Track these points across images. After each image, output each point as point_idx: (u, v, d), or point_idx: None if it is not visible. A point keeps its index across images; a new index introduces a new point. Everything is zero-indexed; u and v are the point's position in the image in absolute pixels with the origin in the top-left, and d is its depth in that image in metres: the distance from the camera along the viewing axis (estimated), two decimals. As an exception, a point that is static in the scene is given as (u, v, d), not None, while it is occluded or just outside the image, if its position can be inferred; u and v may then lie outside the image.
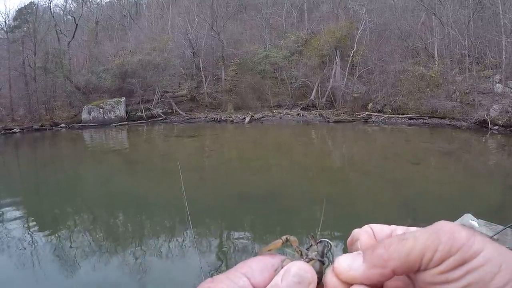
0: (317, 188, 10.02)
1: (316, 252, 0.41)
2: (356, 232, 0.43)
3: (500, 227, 4.05)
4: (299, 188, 9.73)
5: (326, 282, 0.38)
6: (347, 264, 0.38)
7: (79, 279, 5.37)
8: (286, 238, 0.43)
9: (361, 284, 0.38)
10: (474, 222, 4.34)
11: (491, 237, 3.75)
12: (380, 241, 0.39)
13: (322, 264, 0.40)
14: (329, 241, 0.43)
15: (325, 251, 0.42)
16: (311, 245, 0.43)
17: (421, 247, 0.36)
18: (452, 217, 4.63)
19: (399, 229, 0.42)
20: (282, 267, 0.39)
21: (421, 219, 6.61)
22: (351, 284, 0.38)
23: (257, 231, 7.32)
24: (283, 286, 0.37)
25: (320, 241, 0.43)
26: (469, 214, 4.56)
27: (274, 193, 9.16)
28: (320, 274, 0.39)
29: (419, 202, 8.22)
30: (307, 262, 0.40)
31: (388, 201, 8.57)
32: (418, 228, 0.39)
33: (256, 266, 0.39)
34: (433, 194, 8.75)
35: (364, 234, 0.42)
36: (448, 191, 9.26)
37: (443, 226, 0.37)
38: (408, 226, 0.42)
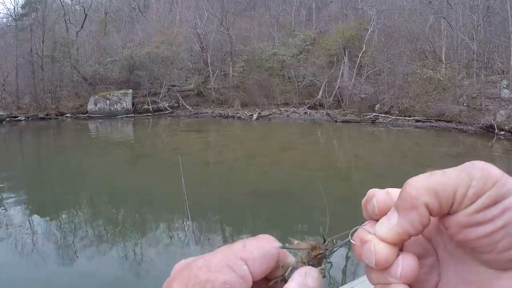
0: (329, 187, 10.05)
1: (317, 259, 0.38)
2: (372, 190, 0.40)
3: None
4: (308, 187, 9.67)
5: (376, 253, 0.35)
6: (385, 225, 0.36)
7: (77, 269, 5.40)
8: (316, 245, 0.39)
9: (409, 236, 0.36)
10: None
11: None
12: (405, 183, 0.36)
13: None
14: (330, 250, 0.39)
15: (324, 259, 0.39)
16: (320, 251, 0.39)
17: (452, 182, 0.34)
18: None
19: None
20: (290, 267, 0.37)
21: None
22: (400, 245, 0.36)
23: (262, 229, 7.35)
24: None
25: (325, 250, 0.39)
26: None
27: (282, 192, 9.15)
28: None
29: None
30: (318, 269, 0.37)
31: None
32: None
33: (257, 253, 0.35)
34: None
35: (380, 191, 0.39)
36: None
37: (475, 163, 0.34)
38: None
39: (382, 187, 0.40)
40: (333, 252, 0.39)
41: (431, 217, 0.35)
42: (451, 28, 23.46)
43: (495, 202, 0.33)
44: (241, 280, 0.33)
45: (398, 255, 0.36)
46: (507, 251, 0.32)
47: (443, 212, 0.34)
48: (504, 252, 0.32)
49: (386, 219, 0.37)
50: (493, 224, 0.33)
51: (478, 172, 0.33)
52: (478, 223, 0.33)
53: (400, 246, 0.36)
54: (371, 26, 25.51)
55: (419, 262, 0.37)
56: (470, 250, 0.35)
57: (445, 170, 0.35)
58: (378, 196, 0.39)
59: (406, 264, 0.35)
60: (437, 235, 0.39)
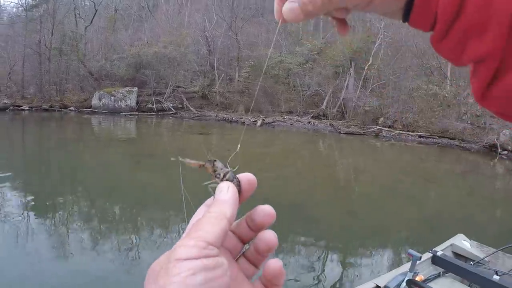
0: (336, 199, 10.01)
1: (226, 173, 0.51)
2: None
3: (492, 250, 4.12)
4: (314, 199, 9.65)
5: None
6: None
7: (70, 265, 5.35)
8: (204, 164, 0.52)
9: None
10: (467, 243, 4.32)
11: (483, 259, 3.86)
12: None
13: (237, 180, 0.50)
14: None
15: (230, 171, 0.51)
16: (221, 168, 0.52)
17: None
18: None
19: None
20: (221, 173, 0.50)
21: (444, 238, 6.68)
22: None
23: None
24: (227, 197, 0.44)
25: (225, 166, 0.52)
26: (462, 235, 4.52)
27: (287, 202, 9.03)
28: (238, 186, 0.49)
29: (439, 221, 8.28)
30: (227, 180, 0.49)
31: (410, 217, 8.60)
32: None
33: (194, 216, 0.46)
34: (452, 214, 8.82)
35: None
36: (465, 211, 9.36)
37: None
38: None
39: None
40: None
41: None
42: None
43: None
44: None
45: None
46: None
47: None
48: None
49: None
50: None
51: None
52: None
53: None
54: (378, 39, 25.67)
55: None
56: None
57: None
58: None
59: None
60: None
